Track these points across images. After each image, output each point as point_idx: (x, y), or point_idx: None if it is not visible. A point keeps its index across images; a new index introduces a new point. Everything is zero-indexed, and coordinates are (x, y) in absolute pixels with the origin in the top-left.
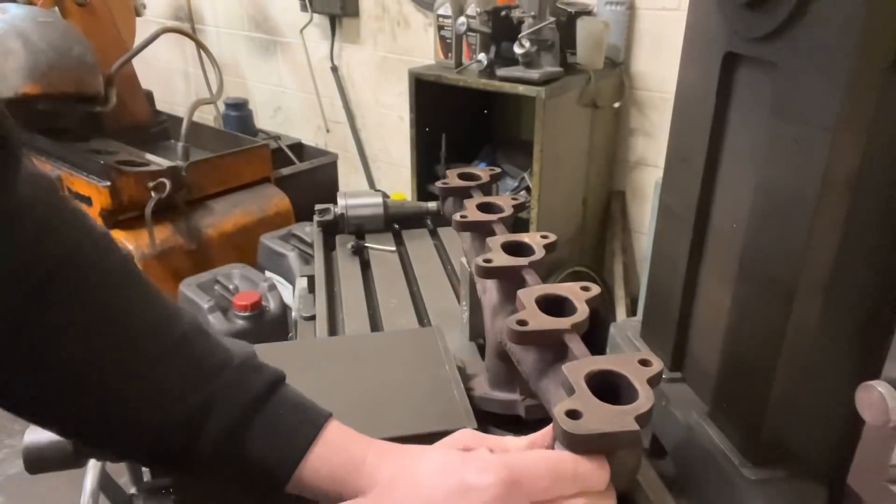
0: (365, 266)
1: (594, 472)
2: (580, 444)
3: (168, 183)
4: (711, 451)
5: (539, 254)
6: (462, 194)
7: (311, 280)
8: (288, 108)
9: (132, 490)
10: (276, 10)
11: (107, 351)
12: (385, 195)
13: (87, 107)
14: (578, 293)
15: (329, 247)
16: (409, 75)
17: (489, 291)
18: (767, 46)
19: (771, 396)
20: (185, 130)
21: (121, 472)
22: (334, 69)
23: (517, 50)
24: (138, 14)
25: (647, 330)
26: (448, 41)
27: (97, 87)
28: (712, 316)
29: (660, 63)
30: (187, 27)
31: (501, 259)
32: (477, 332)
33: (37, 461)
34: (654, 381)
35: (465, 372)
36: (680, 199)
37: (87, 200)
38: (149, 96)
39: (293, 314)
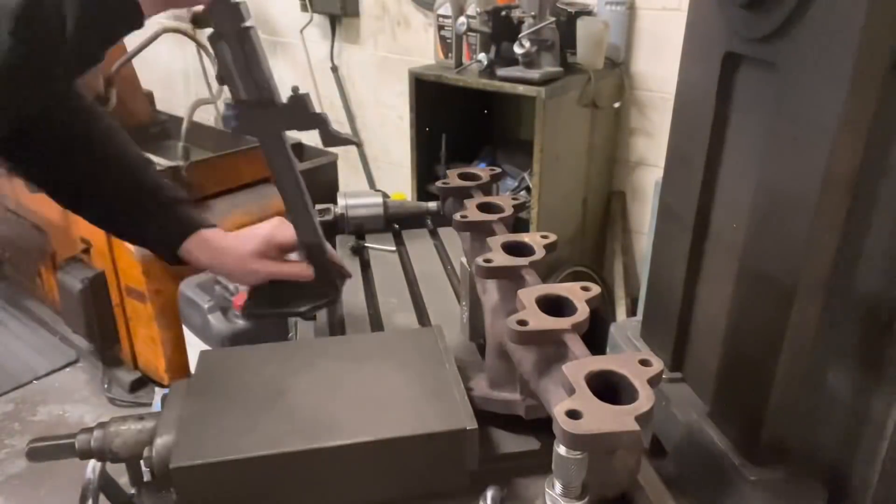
0: (365, 266)
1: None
2: (580, 444)
3: None
4: (711, 451)
5: (539, 254)
6: (462, 194)
7: None
8: None
9: (132, 490)
10: (276, 10)
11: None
12: (385, 195)
13: None
14: (578, 293)
15: None
16: (409, 75)
17: (489, 291)
18: (767, 47)
19: (771, 396)
20: (185, 130)
21: (121, 472)
22: (334, 69)
23: (517, 50)
24: None
25: (647, 330)
26: (448, 41)
27: (97, 87)
28: (712, 316)
29: (660, 63)
30: (187, 27)
31: (501, 259)
32: (477, 333)
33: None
34: (654, 381)
35: (465, 372)
36: (680, 199)
37: None
38: (149, 96)
39: None
